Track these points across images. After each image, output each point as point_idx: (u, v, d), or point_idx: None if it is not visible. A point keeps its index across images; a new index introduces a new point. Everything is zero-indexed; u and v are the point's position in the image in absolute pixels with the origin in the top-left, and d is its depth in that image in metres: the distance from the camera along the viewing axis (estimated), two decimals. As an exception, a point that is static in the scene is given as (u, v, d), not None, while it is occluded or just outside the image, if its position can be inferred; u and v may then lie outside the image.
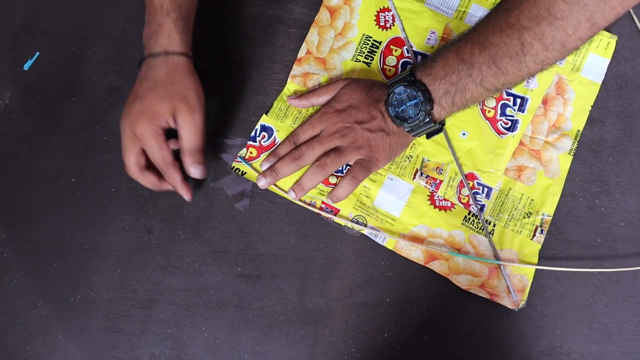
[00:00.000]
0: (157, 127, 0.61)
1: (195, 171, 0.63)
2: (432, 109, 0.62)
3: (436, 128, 0.64)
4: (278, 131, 0.71)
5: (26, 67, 0.75)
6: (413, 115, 0.63)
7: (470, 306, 0.67)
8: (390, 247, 0.68)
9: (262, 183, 0.67)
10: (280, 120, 0.72)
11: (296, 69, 0.74)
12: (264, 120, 0.72)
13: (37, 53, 0.76)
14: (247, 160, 0.70)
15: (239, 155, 0.71)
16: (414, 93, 0.62)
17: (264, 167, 0.69)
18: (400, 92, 0.63)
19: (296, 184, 0.67)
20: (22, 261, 0.70)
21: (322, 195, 0.69)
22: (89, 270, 0.69)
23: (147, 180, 0.64)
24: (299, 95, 0.72)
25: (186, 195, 0.65)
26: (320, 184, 0.69)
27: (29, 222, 0.71)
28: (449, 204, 0.69)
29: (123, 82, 0.74)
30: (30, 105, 0.74)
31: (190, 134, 0.62)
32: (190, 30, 0.65)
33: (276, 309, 0.67)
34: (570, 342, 0.65)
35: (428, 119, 0.63)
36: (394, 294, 0.67)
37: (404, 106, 0.63)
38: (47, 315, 0.68)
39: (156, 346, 0.67)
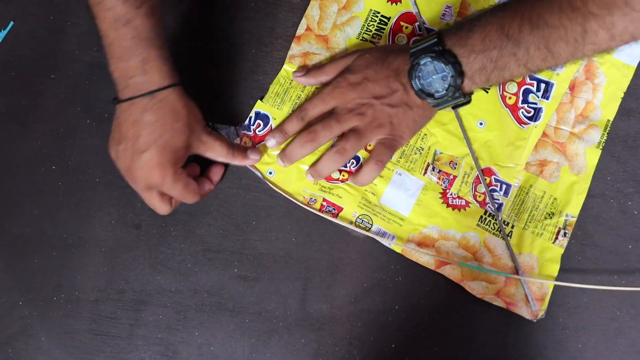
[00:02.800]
0: (179, 167, 0.57)
1: (253, 159, 0.62)
2: (462, 83, 0.55)
3: (465, 101, 0.57)
4: (275, 119, 0.64)
5: (-1, 39, 0.68)
6: (441, 90, 0.55)
7: (485, 315, 0.62)
8: (398, 250, 0.62)
9: (271, 143, 0.62)
10: (277, 107, 0.65)
11: (295, 48, 0.66)
12: (259, 106, 0.65)
13: (11, 23, 0.68)
14: None
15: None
16: (443, 66, 0.54)
17: (271, 143, 0.62)
18: (426, 64, 0.55)
19: (313, 169, 0.62)
20: (0, 256, 0.64)
21: (324, 192, 0.63)
22: (73, 267, 0.64)
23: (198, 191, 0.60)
24: (305, 71, 0.64)
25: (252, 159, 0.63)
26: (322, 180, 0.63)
27: (6, 214, 0.65)
28: (463, 203, 0.63)
29: (107, 58, 0.67)
30: (4, 82, 0.67)
31: (217, 152, 0.60)
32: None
33: (275, 314, 0.62)
34: (593, 358, 0.61)
35: (457, 94, 0.55)
36: (403, 301, 0.62)
37: (430, 79, 0.55)
38: (29, 315, 0.63)
39: (146, 352, 0.62)
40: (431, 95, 0.56)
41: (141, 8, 0.53)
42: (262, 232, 0.63)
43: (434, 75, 0.55)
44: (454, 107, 0.59)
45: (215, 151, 0.60)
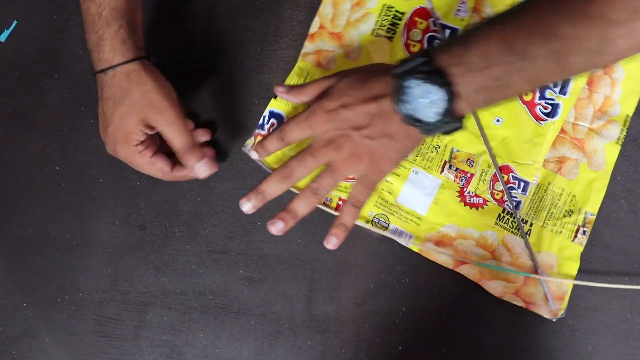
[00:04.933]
0: (137, 145, 0.56)
1: (202, 169, 0.57)
2: (455, 105, 0.48)
3: (458, 126, 0.50)
4: (289, 117, 0.64)
5: (2, 38, 0.67)
6: (431, 115, 0.49)
7: (493, 318, 0.61)
8: (415, 250, 0.62)
9: (246, 207, 0.57)
10: (291, 106, 0.64)
11: (308, 46, 0.65)
12: (273, 105, 0.64)
13: (15, 22, 0.67)
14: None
15: (245, 144, 0.63)
16: (433, 88, 0.48)
17: (254, 156, 0.60)
18: (413, 86, 0.48)
19: (286, 212, 0.56)
20: (3, 258, 0.64)
21: (340, 191, 0.62)
22: (76, 268, 0.63)
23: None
24: (287, 88, 0.60)
25: (211, 170, 0.58)
26: None
27: (9, 215, 0.65)
28: (481, 201, 0.62)
29: (111, 57, 0.66)
30: (8, 82, 0.67)
31: (173, 135, 0.56)
32: (137, 29, 0.58)
33: (281, 316, 0.62)
34: (603, 360, 0.60)
35: (450, 119, 0.49)
36: (410, 303, 0.61)
37: (418, 103, 0.49)
38: (33, 317, 0.63)
39: (150, 354, 0.62)
40: (420, 121, 0.50)
41: None
42: (267, 233, 0.61)
43: (423, 98, 0.48)
44: (445, 133, 0.52)
45: (172, 135, 0.56)
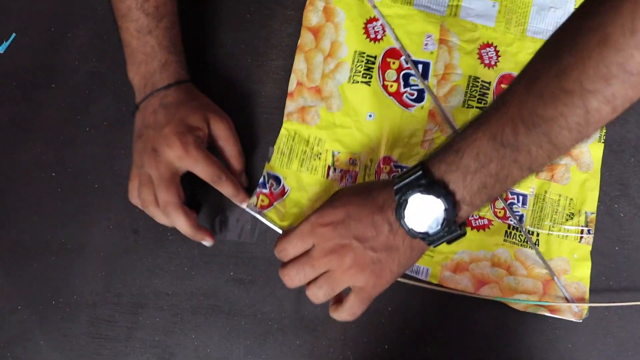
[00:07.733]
0: (199, 138, 0.59)
1: (244, 177, 0.65)
2: (457, 214, 0.49)
3: (461, 233, 0.50)
4: (286, 178, 0.65)
5: (1, 49, 0.70)
6: (435, 226, 0.49)
7: (477, 317, 0.63)
8: (434, 281, 0.63)
9: None
10: (285, 167, 0.65)
11: (290, 106, 0.66)
12: (268, 168, 0.65)
13: (13, 35, 0.70)
14: (260, 209, 0.64)
15: (249, 204, 0.63)
16: (435, 199, 0.48)
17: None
18: (415, 200, 0.49)
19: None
20: (0, 262, 0.65)
21: None
22: (71, 272, 0.65)
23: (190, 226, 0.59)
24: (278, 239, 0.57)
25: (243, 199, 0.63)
26: None
27: (6, 220, 0.66)
28: (486, 222, 0.64)
29: (106, 68, 0.69)
30: (6, 92, 0.69)
31: (232, 140, 0.62)
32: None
33: (270, 316, 0.63)
34: (583, 357, 0.62)
35: (454, 227, 0.49)
36: (396, 303, 0.63)
37: (421, 216, 0.49)
38: (28, 319, 0.64)
39: (143, 354, 0.63)
40: (424, 234, 0.50)
41: (161, 22, 0.60)
42: (257, 235, 0.65)
43: (425, 211, 0.49)
44: (449, 242, 0.51)
45: (230, 141, 0.62)
